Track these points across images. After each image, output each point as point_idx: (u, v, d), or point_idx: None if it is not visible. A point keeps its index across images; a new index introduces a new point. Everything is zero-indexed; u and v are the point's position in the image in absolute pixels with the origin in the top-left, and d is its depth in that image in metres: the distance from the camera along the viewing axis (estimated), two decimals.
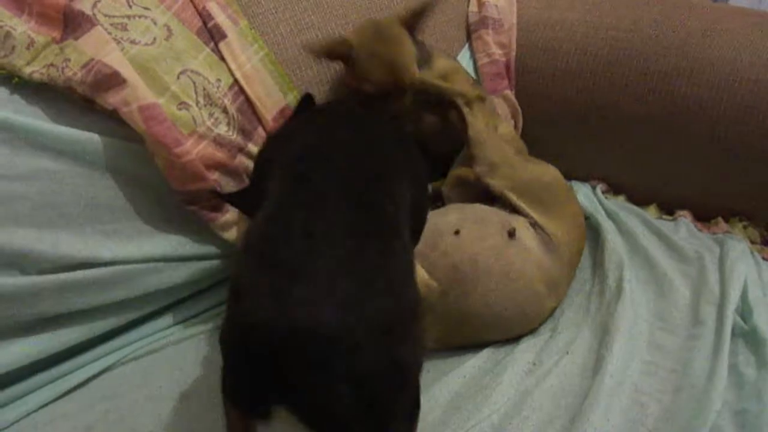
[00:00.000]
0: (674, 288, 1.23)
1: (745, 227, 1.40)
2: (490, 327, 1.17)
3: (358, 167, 0.94)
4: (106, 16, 1.15)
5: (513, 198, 1.25)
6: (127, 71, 1.09)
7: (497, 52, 1.59)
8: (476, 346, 1.17)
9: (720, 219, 1.42)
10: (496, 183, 1.27)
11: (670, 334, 1.15)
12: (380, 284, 0.76)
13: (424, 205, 1.09)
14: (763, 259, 1.31)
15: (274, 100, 1.28)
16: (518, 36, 1.60)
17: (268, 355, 0.69)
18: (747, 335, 1.11)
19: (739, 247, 1.29)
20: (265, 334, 0.69)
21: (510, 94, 1.58)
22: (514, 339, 1.19)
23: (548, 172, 1.31)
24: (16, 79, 1.07)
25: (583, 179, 1.57)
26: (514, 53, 1.60)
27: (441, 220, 1.21)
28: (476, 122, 1.31)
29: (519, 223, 1.22)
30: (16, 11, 1.10)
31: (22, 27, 1.08)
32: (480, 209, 1.27)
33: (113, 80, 1.07)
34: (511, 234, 1.20)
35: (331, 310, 0.70)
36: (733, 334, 1.12)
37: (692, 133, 1.42)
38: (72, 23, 1.10)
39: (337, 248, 0.76)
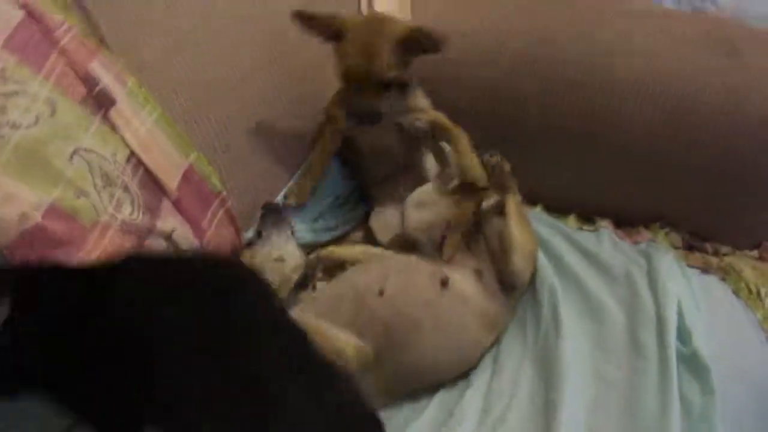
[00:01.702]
0: (608, 313, 1.27)
1: (666, 234, 1.46)
2: (432, 376, 1.22)
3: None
4: None
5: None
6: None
7: None
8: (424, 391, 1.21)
9: (642, 228, 1.47)
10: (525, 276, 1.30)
11: (613, 365, 1.20)
12: None
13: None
14: (688, 266, 1.38)
15: (175, 164, 1.23)
16: None
17: None
18: (688, 360, 1.17)
19: (665, 259, 1.34)
20: None
21: None
22: (460, 381, 1.23)
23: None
24: None
25: None
26: None
27: (360, 279, 1.22)
28: (515, 216, 1.30)
29: (456, 272, 1.25)
30: None
31: None
32: (403, 258, 1.30)
33: None
34: (444, 283, 1.22)
35: None
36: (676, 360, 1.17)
37: (608, 143, 1.46)
38: None
39: None
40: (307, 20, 1.30)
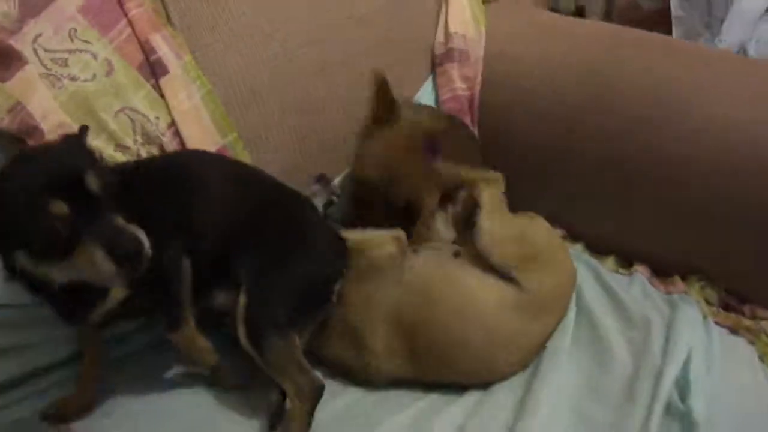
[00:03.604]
0: (615, 356, 1.30)
1: (702, 287, 1.46)
2: (461, 351, 1.28)
3: None
4: (46, 51, 1.26)
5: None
6: (53, 118, 1.21)
7: (461, 86, 1.69)
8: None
9: (677, 278, 1.48)
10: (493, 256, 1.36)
11: (603, 407, 1.22)
12: None
13: None
14: (716, 323, 1.38)
15: (211, 141, 1.40)
16: (483, 69, 1.70)
17: None
18: (683, 417, 1.18)
19: (689, 312, 1.36)
20: None
21: None
22: (449, 396, 1.28)
23: (536, 231, 1.44)
24: None
25: None
26: (479, 87, 1.69)
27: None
28: (488, 205, 1.41)
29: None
30: None
31: None
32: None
33: (35, 133, 1.20)
34: (457, 254, 1.37)
35: None
36: (670, 413, 1.19)
37: (657, 186, 1.47)
38: (4, 62, 1.21)
39: None
40: (379, 86, 1.43)
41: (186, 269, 1.18)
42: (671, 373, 1.23)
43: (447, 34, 1.72)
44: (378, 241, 1.35)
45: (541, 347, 1.33)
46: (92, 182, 0.97)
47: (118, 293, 1.11)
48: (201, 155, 1.36)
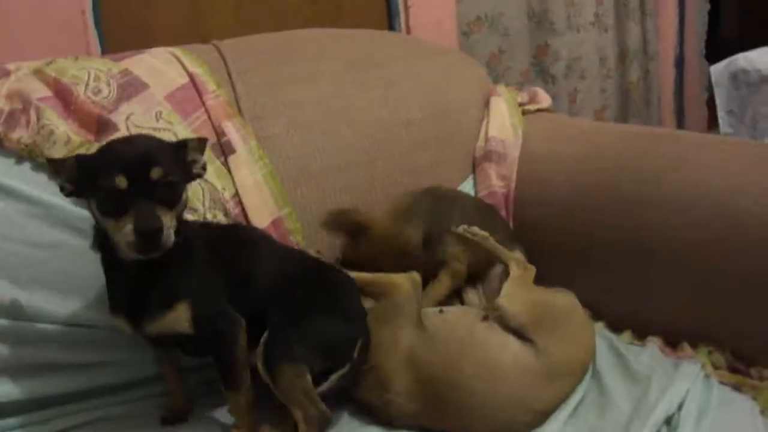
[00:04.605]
0: (615, 407, 1.41)
1: (710, 352, 1.55)
2: (480, 410, 1.39)
3: None
4: (136, 126, 1.58)
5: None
6: None
7: (497, 184, 1.94)
8: None
9: (686, 344, 1.58)
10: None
11: None
12: None
13: None
14: (720, 382, 1.47)
15: (268, 211, 1.66)
16: (519, 168, 1.95)
17: None
18: None
19: (690, 368, 1.47)
20: None
21: None
22: None
23: (559, 300, 1.58)
24: None
25: None
26: (513, 184, 1.93)
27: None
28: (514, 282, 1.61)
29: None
30: (63, 114, 1.54)
31: (63, 127, 1.51)
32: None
33: None
34: (485, 318, 1.52)
35: None
36: None
37: (661, 259, 1.63)
38: (103, 128, 1.53)
39: None
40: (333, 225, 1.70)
41: (244, 334, 1.36)
42: (663, 409, 1.35)
43: (487, 139, 1.99)
44: (394, 280, 1.54)
45: (555, 410, 1.42)
46: (155, 174, 1.19)
47: (182, 312, 1.29)
48: (256, 231, 1.59)
